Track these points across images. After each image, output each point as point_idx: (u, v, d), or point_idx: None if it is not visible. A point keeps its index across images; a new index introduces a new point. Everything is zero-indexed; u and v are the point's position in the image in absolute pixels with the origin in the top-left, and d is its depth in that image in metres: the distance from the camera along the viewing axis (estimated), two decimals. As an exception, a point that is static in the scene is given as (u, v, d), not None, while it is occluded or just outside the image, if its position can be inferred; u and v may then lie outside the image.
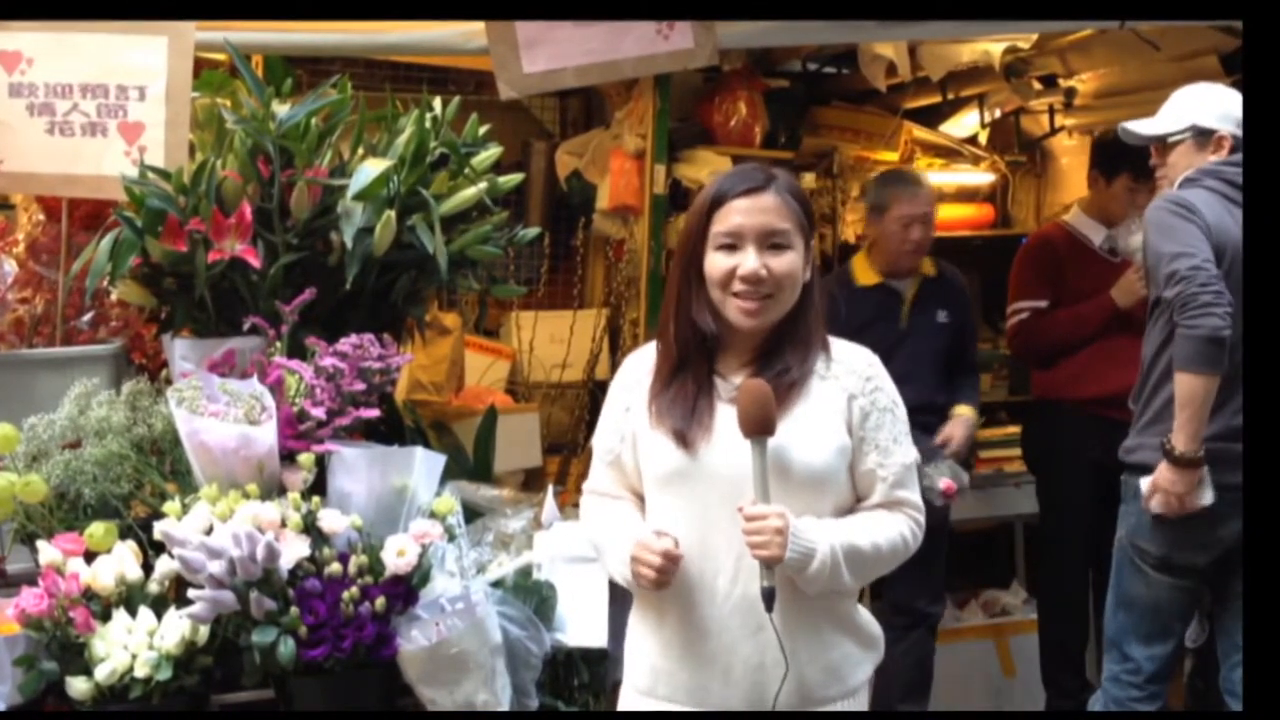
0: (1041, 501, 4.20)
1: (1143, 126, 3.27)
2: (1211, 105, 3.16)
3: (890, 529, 2.01)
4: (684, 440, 1.99)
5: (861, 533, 1.97)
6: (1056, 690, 4.14)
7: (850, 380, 2.03)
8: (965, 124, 5.22)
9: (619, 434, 2.11)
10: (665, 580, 1.95)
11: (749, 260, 1.97)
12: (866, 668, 2.07)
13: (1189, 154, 3.15)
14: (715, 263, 2.00)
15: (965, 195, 5.42)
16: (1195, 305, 2.88)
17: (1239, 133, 3.10)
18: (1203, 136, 3.14)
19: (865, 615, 2.10)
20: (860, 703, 2.05)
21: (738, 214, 1.99)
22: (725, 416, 1.99)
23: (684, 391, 2.02)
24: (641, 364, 2.13)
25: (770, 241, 1.98)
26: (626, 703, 2.12)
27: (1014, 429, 4.60)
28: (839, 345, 2.09)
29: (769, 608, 1.88)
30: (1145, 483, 3.06)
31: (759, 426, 1.90)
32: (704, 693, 2.00)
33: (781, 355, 2.01)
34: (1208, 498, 2.99)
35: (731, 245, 1.99)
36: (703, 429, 1.99)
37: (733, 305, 2.00)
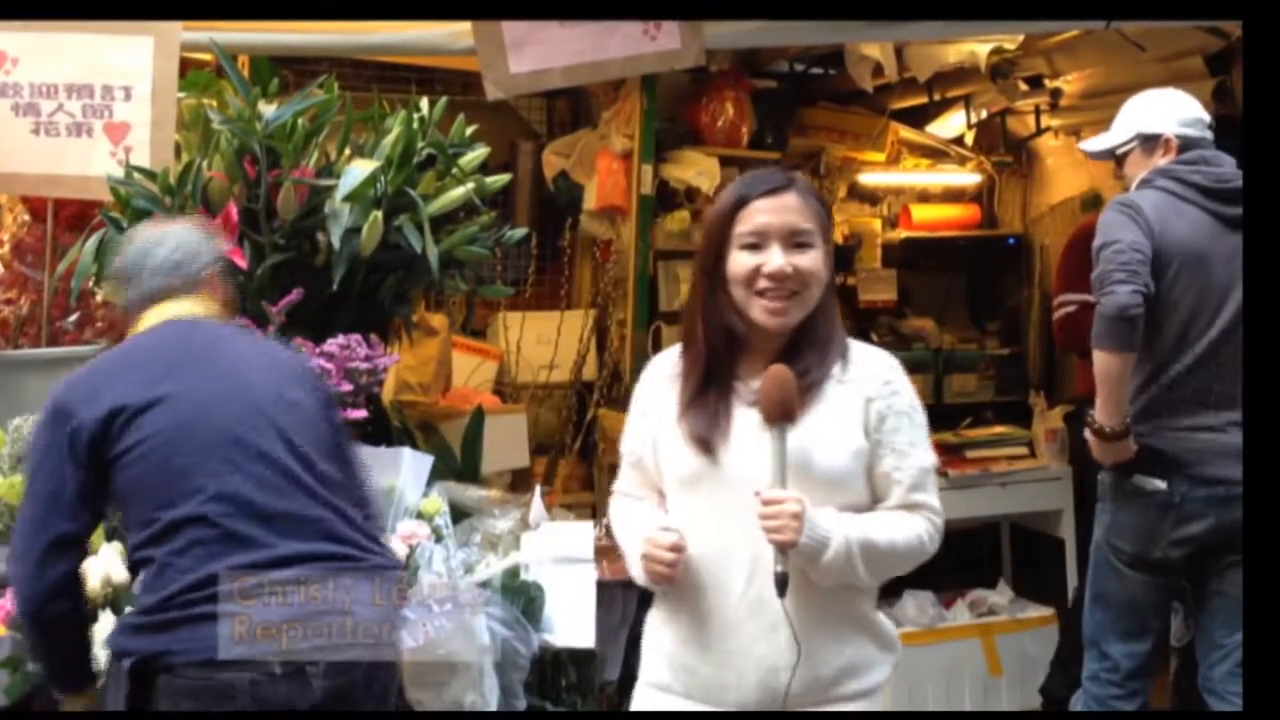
0: (1081, 497, 4.17)
1: (1095, 144, 3.37)
2: (1154, 110, 3.24)
3: (907, 529, 2.01)
4: (704, 445, 2.00)
5: (878, 528, 1.98)
6: (1061, 667, 4.10)
7: (868, 383, 2.03)
8: (951, 124, 5.23)
9: (640, 437, 2.13)
10: (674, 575, 1.97)
11: (775, 258, 1.98)
12: (884, 669, 2.06)
13: (1139, 161, 3.24)
14: (740, 262, 2.00)
15: (951, 195, 5.44)
16: (1107, 283, 2.97)
17: (1188, 131, 3.18)
18: (1149, 142, 3.22)
19: (882, 616, 2.10)
20: (877, 704, 2.05)
21: (762, 213, 1.99)
22: (743, 420, 2.00)
23: (707, 396, 2.03)
24: (664, 368, 2.14)
25: (795, 240, 1.99)
26: (640, 698, 2.12)
27: (1001, 429, 4.60)
28: (858, 348, 2.09)
29: (781, 594, 1.89)
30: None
31: (781, 412, 1.90)
32: (721, 690, 2.01)
33: (801, 357, 2.01)
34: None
35: (755, 245, 1.99)
36: (721, 433, 2.00)
37: (758, 305, 2.00)
